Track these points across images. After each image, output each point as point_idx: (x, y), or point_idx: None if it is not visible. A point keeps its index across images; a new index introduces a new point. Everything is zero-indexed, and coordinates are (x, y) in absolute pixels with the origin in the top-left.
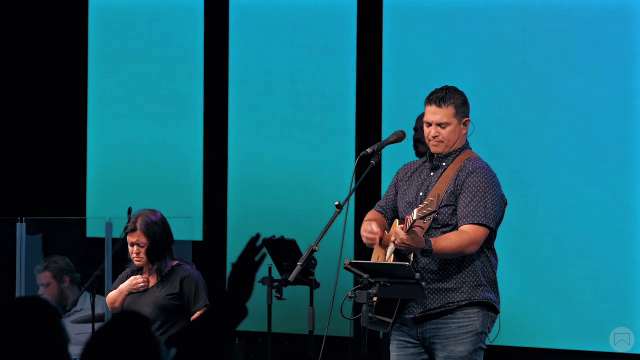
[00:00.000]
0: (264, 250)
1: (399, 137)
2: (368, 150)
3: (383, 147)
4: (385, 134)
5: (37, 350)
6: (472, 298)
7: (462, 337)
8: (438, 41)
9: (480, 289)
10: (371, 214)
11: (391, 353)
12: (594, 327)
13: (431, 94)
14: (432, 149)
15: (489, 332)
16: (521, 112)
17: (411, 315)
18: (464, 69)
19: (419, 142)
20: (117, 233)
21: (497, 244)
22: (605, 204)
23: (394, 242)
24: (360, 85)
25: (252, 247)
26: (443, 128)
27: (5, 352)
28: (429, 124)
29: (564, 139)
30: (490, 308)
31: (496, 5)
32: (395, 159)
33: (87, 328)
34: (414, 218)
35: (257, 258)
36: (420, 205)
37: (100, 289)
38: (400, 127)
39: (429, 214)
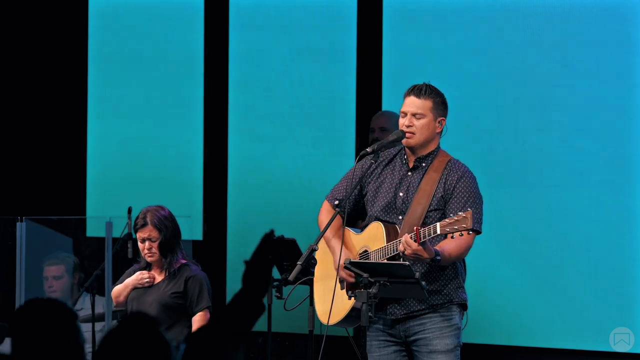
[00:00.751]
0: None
1: (399, 136)
2: (368, 150)
3: (383, 146)
4: None
5: (56, 351)
6: (453, 300)
7: (446, 330)
8: (438, 41)
9: (459, 290)
10: (326, 215)
11: (369, 354)
12: (594, 327)
13: (411, 87)
14: (404, 142)
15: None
16: (521, 112)
17: (393, 317)
18: (463, 69)
19: (376, 142)
20: (117, 233)
21: (497, 244)
22: (605, 204)
23: (403, 252)
24: (360, 85)
25: (266, 243)
26: (417, 119)
27: (24, 354)
28: (405, 114)
29: (564, 138)
30: (463, 307)
31: (496, 5)
32: None
33: (87, 328)
34: (438, 232)
35: (271, 255)
36: (448, 220)
37: (100, 289)
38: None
39: (462, 230)
